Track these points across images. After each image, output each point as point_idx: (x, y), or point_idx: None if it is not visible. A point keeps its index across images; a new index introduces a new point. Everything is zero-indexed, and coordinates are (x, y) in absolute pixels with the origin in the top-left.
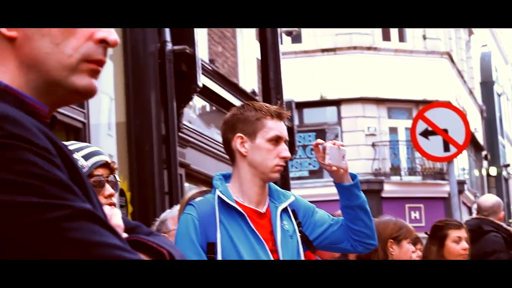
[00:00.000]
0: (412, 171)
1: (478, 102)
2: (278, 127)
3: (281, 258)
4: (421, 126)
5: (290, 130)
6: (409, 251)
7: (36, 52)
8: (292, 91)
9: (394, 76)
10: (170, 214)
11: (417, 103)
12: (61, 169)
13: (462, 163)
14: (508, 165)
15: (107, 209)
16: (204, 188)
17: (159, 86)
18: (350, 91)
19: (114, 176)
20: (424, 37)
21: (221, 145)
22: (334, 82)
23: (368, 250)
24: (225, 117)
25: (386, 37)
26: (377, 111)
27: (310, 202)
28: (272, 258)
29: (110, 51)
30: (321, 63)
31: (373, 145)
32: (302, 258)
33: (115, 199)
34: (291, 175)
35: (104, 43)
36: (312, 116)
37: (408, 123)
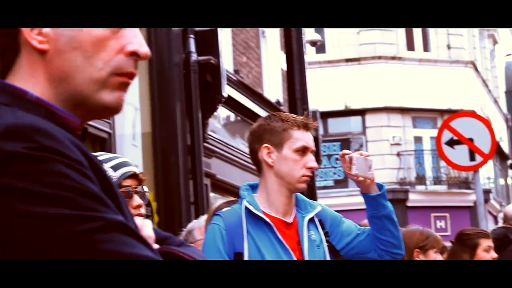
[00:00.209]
0: (437, 180)
1: (503, 111)
2: (304, 138)
3: None
4: (447, 135)
5: (315, 140)
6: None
7: (67, 65)
8: (316, 101)
9: (419, 85)
10: (197, 224)
11: (441, 112)
12: (93, 181)
13: (487, 172)
14: None
15: (138, 220)
16: (231, 198)
17: (184, 96)
18: (374, 101)
19: (142, 187)
20: (449, 47)
21: (246, 155)
22: (359, 91)
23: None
24: (251, 127)
25: (410, 47)
26: (402, 121)
27: (335, 211)
28: None
29: None
30: (346, 73)
31: (398, 154)
32: None
33: (143, 210)
34: (316, 184)
35: (135, 55)
36: (336, 125)
37: (433, 132)
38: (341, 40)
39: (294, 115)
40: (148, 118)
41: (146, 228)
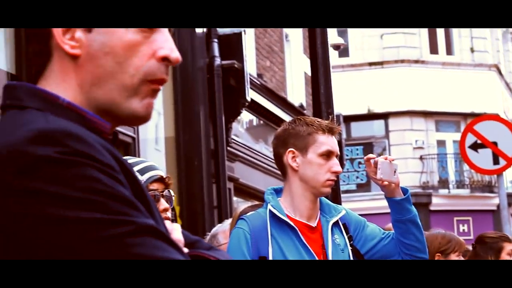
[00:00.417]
0: (460, 184)
1: None
2: (329, 142)
3: None
4: (470, 139)
5: (338, 144)
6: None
7: (98, 70)
8: (339, 105)
9: (442, 89)
10: (221, 228)
11: (465, 116)
12: (124, 185)
13: (510, 176)
14: None
15: (167, 223)
16: (256, 202)
17: (208, 100)
18: (397, 105)
19: (169, 191)
20: (472, 50)
21: (269, 159)
22: (382, 95)
23: (417, 260)
24: (276, 132)
25: (434, 50)
26: (425, 124)
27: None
28: None
29: None
30: (369, 76)
31: (421, 158)
32: None
33: (169, 214)
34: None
35: (166, 61)
36: (359, 129)
37: (456, 136)
38: (364, 43)
39: (319, 119)
40: (171, 122)
41: (176, 232)
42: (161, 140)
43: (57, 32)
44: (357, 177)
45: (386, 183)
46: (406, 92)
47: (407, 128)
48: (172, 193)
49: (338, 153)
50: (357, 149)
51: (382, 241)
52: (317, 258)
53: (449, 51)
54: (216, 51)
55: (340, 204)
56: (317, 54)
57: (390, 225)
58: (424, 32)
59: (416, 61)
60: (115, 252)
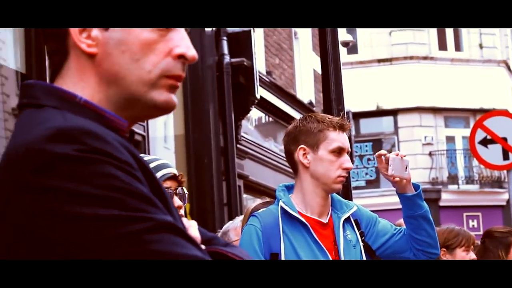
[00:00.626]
0: (469, 180)
1: None
2: (340, 139)
3: None
4: (480, 134)
5: (348, 140)
6: (463, 259)
7: (116, 68)
8: (348, 101)
9: (451, 85)
10: (232, 225)
11: (474, 111)
12: (142, 182)
13: None
14: None
15: (184, 220)
16: (267, 199)
17: (217, 98)
18: (406, 101)
19: (182, 188)
20: (481, 46)
21: (279, 156)
22: (391, 92)
23: (430, 260)
24: (287, 129)
25: (442, 47)
26: (434, 120)
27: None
28: None
29: None
30: (377, 73)
31: (430, 154)
32: None
33: (182, 211)
34: None
35: (182, 58)
36: (368, 126)
37: (465, 131)
38: (373, 40)
39: (330, 116)
40: (181, 120)
41: (192, 228)
42: (170, 138)
43: (74, 30)
44: (366, 174)
45: (397, 179)
46: (415, 89)
47: (416, 125)
48: (185, 191)
49: (349, 149)
50: (366, 146)
51: (393, 237)
52: (328, 254)
53: (457, 47)
54: (226, 49)
55: (351, 200)
56: (327, 51)
57: (400, 221)
58: (433, 28)
59: (425, 58)
60: (133, 249)
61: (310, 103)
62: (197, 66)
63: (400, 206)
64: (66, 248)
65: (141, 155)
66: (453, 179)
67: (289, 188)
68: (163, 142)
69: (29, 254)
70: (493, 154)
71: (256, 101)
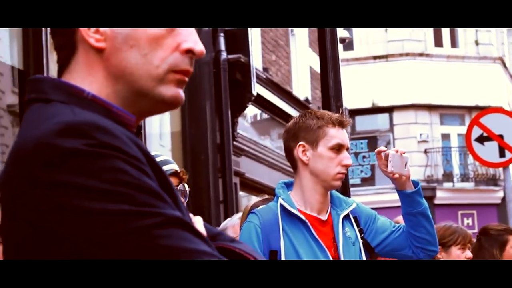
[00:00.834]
0: (464, 178)
1: None
2: (340, 135)
3: None
4: (476, 132)
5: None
6: (458, 258)
7: (124, 63)
8: (344, 98)
9: (447, 82)
10: (230, 223)
11: (469, 109)
12: (150, 177)
13: None
14: None
15: (190, 216)
16: (266, 196)
17: (214, 95)
18: (402, 98)
19: (184, 185)
20: (477, 43)
21: (275, 153)
22: (386, 89)
23: (430, 257)
24: (287, 125)
25: (438, 43)
26: (430, 118)
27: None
28: None
29: None
30: (373, 70)
31: (426, 151)
32: None
33: None
34: None
35: (190, 53)
36: (364, 123)
37: (461, 129)
38: (368, 37)
39: (330, 113)
40: (178, 117)
41: (198, 224)
42: (165, 135)
43: None
44: (361, 171)
45: (397, 176)
46: (411, 86)
47: (411, 122)
48: (187, 188)
49: (349, 146)
50: (361, 143)
51: (392, 234)
52: (328, 252)
53: (453, 44)
54: (222, 45)
55: (349, 197)
56: (326, 47)
57: (397, 218)
58: None
59: (421, 54)
60: (142, 244)
61: (306, 100)
62: (194, 62)
63: (395, 204)
64: (75, 243)
65: None
66: (448, 176)
67: (289, 185)
68: (159, 139)
69: (38, 249)
70: (489, 151)
71: (253, 98)
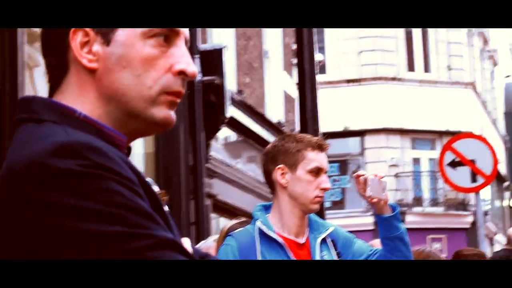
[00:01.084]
0: (434, 202)
1: (501, 132)
2: (318, 159)
3: None
4: (449, 157)
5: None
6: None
7: (116, 84)
8: None
9: (419, 106)
10: (204, 245)
11: (440, 133)
12: (143, 198)
13: (483, 194)
14: None
15: None
16: (243, 219)
17: (188, 116)
18: (374, 122)
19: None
20: (449, 68)
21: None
22: (358, 112)
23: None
24: (266, 148)
25: (411, 68)
26: (401, 142)
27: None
28: None
29: None
30: (346, 94)
31: (396, 175)
32: None
33: None
34: None
35: (182, 74)
36: (335, 147)
37: (432, 153)
38: (341, 60)
39: (309, 136)
40: (151, 138)
41: (185, 245)
42: (138, 156)
43: (75, 45)
44: (332, 195)
45: (375, 200)
46: (383, 110)
47: (383, 146)
48: (167, 208)
49: (327, 169)
50: (332, 167)
51: (369, 258)
52: None
53: (426, 69)
54: (198, 67)
55: (324, 219)
56: (304, 70)
57: (372, 242)
58: (401, 49)
59: (393, 79)
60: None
61: (279, 123)
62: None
63: (365, 228)
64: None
65: None
66: (418, 201)
67: (267, 208)
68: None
69: None
70: (461, 176)
71: (226, 120)
